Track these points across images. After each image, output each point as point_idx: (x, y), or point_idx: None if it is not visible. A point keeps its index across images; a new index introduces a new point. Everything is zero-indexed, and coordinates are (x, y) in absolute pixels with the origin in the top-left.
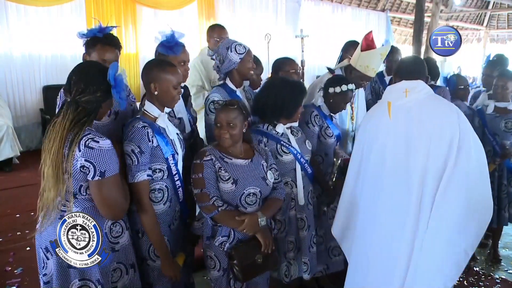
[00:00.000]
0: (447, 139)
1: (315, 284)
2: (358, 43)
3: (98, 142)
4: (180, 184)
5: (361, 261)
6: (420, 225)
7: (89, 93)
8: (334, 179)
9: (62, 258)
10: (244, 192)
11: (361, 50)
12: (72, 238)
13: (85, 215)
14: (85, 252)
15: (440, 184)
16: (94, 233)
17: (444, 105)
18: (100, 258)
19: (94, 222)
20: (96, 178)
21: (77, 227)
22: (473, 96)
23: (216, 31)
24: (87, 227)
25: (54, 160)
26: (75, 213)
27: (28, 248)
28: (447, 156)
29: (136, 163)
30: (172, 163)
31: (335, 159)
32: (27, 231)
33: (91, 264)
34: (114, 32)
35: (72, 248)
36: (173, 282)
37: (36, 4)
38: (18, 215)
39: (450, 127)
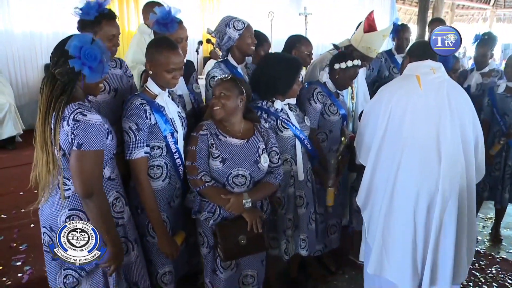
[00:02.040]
0: (470, 117)
1: (316, 263)
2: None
3: (85, 115)
4: (180, 162)
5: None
6: (451, 197)
7: (60, 65)
8: (339, 157)
9: (62, 257)
10: (231, 173)
11: (364, 32)
12: (73, 239)
13: (84, 222)
14: (85, 248)
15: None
16: (93, 233)
17: (460, 87)
18: (99, 253)
19: (92, 226)
20: (74, 148)
21: (77, 230)
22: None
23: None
24: (86, 230)
25: (39, 136)
26: (76, 221)
27: (32, 225)
28: (472, 131)
29: (134, 140)
30: (171, 141)
31: (342, 138)
32: (31, 209)
33: (91, 259)
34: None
35: (72, 247)
36: (171, 259)
37: None
38: (21, 193)
39: (471, 107)
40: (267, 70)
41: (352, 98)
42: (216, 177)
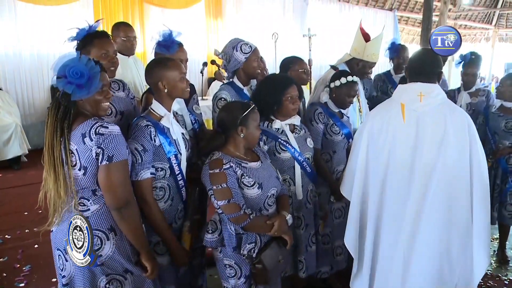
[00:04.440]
0: (458, 147)
1: (322, 284)
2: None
3: (107, 127)
4: (183, 184)
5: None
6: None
7: (57, 89)
8: None
9: (71, 257)
10: (268, 195)
11: (366, 41)
12: (75, 238)
13: (83, 217)
14: (81, 252)
15: (473, 192)
16: (86, 234)
17: (457, 113)
18: (89, 259)
19: (86, 224)
20: (104, 162)
21: (77, 228)
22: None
23: (121, 30)
24: (82, 228)
25: (47, 162)
26: (77, 215)
27: (36, 246)
28: (459, 164)
29: (140, 161)
30: (174, 163)
31: None
32: (35, 229)
33: (85, 264)
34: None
35: (75, 248)
36: (180, 273)
37: (44, 3)
38: (26, 213)
39: (462, 137)
40: (258, 91)
41: (360, 111)
42: (252, 205)
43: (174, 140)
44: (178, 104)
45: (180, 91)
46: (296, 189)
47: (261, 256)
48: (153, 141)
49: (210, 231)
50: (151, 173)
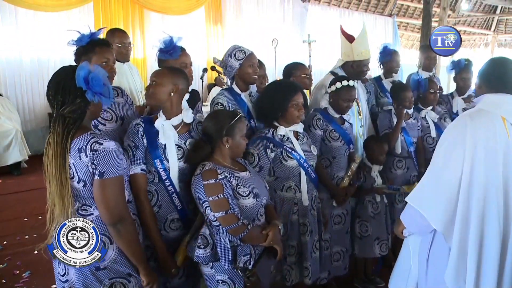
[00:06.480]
0: None
1: None
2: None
3: (102, 144)
4: (173, 190)
5: None
6: None
7: (69, 103)
8: (349, 181)
9: (60, 259)
10: (260, 204)
11: (350, 42)
12: (72, 239)
13: (84, 218)
14: (86, 250)
15: None
16: (93, 232)
17: None
18: (100, 254)
19: (93, 224)
20: (96, 177)
21: (77, 229)
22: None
23: (116, 36)
24: (86, 229)
25: (56, 178)
26: (75, 218)
27: (35, 252)
28: None
29: (132, 157)
30: (160, 168)
31: (354, 161)
32: (35, 235)
33: (92, 261)
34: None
35: (72, 248)
36: (174, 282)
37: (45, 9)
38: (26, 219)
39: None
40: (264, 96)
41: (359, 113)
42: (247, 215)
43: (163, 145)
44: (189, 116)
45: (165, 106)
46: (302, 195)
47: (256, 269)
48: (141, 140)
49: (202, 246)
50: (141, 169)
